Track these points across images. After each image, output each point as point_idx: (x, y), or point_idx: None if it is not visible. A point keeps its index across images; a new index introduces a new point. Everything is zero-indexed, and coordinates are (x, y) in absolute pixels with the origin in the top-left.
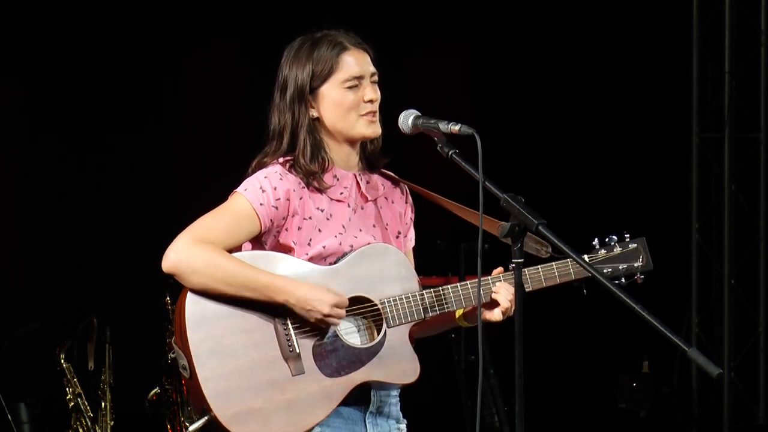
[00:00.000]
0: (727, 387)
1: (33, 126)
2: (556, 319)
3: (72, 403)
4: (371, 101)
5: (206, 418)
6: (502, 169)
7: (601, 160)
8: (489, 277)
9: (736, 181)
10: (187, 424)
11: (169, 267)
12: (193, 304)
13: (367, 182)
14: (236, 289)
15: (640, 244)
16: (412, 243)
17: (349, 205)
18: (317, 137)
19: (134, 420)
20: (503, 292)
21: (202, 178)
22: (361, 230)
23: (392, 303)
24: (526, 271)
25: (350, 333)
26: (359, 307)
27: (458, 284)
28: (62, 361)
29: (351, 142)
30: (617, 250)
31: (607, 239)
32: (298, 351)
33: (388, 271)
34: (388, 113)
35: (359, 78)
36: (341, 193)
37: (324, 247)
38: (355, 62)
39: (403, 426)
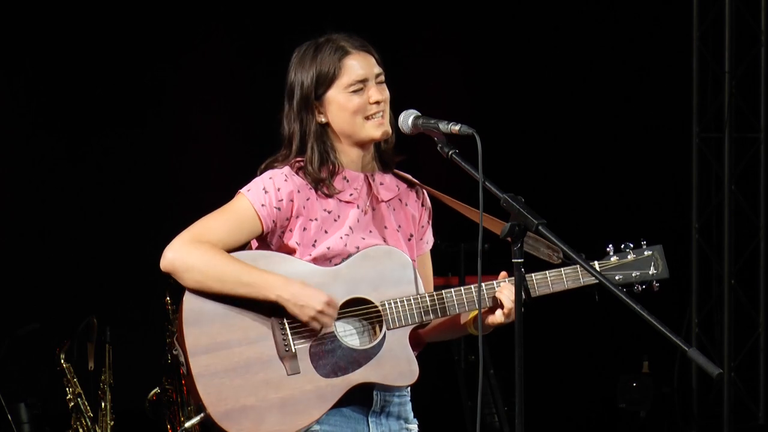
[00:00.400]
0: (727, 387)
1: (32, 126)
2: (556, 320)
3: (72, 403)
4: (377, 102)
5: (202, 415)
6: (502, 169)
7: (601, 160)
8: (494, 282)
9: (736, 181)
10: (187, 422)
11: (165, 265)
12: (190, 302)
13: (381, 183)
14: (230, 286)
15: (656, 251)
16: (428, 246)
17: (358, 207)
18: (326, 143)
19: (134, 420)
20: (506, 293)
21: (202, 177)
22: (370, 232)
23: (393, 305)
24: (534, 277)
25: (350, 334)
26: (360, 308)
27: (462, 288)
28: (62, 361)
29: (361, 145)
30: (631, 257)
31: (622, 245)
32: (294, 350)
33: (391, 273)
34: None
35: (363, 81)
36: (351, 195)
37: (328, 248)
38: (359, 65)
39: (413, 426)
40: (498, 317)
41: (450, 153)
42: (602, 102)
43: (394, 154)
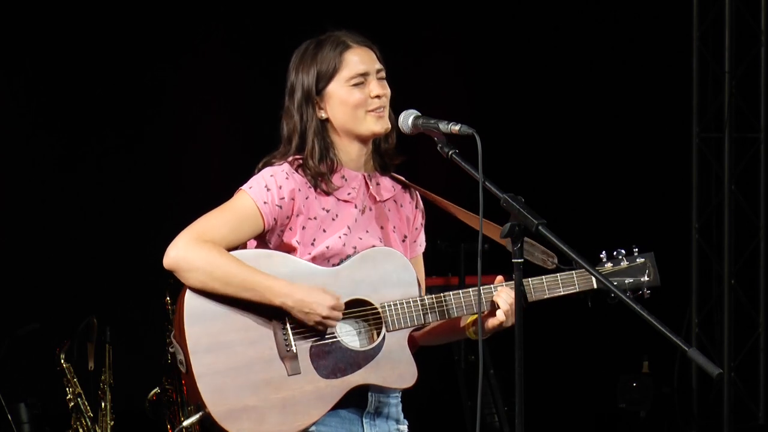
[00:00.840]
0: (727, 387)
1: (32, 125)
2: (556, 320)
3: (72, 403)
4: (378, 96)
5: (200, 413)
6: (502, 169)
7: (601, 160)
8: (491, 286)
9: (736, 181)
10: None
11: (169, 264)
12: (192, 300)
13: (377, 183)
14: (234, 289)
15: (648, 259)
16: (421, 248)
17: (356, 206)
18: (326, 138)
19: (134, 420)
20: (504, 296)
21: (202, 177)
22: (367, 231)
23: (393, 307)
24: (530, 281)
25: (350, 335)
26: (359, 309)
27: (460, 291)
28: (62, 361)
29: (361, 140)
30: (624, 263)
31: (615, 252)
32: (294, 351)
33: (390, 275)
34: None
35: (364, 75)
36: (349, 194)
37: (327, 247)
38: (360, 60)
39: (404, 427)
40: (496, 321)
41: (450, 153)
42: (602, 102)
43: (395, 155)
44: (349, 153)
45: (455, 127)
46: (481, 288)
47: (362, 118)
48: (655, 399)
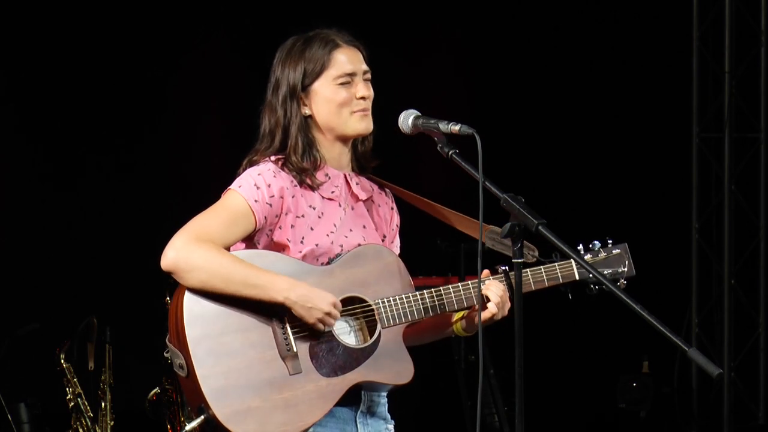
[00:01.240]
0: (727, 387)
1: (32, 126)
2: (556, 319)
3: (72, 403)
4: (363, 98)
5: (203, 416)
6: (502, 169)
7: (601, 160)
8: (482, 280)
9: (736, 181)
10: (187, 423)
11: (168, 265)
12: (191, 302)
13: (357, 183)
14: (235, 286)
15: (623, 249)
16: (397, 250)
17: (340, 204)
18: (309, 135)
19: (134, 420)
20: (494, 288)
21: (202, 177)
22: (351, 230)
23: (387, 303)
24: (513, 276)
25: (344, 333)
26: (353, 307)
27: (450, 286)
28: (62, 361)
29: (343, 139)
30: (602, 255)
31: (591, 245)
32: (295, 350)
33: (382, 271)
34: (388, 113)
35: (351, 75)
36: (332, 192)
37: (317, 245)
38: (348, 60)
39: (391, 426)
40: (488, 314)
41: (450, 153)
42: (602, 102)
43: (371, 158)
44: (331, 151)
45: (455, 127)
46: (480, 286)
47: (346, 118)
48: (655, 399)
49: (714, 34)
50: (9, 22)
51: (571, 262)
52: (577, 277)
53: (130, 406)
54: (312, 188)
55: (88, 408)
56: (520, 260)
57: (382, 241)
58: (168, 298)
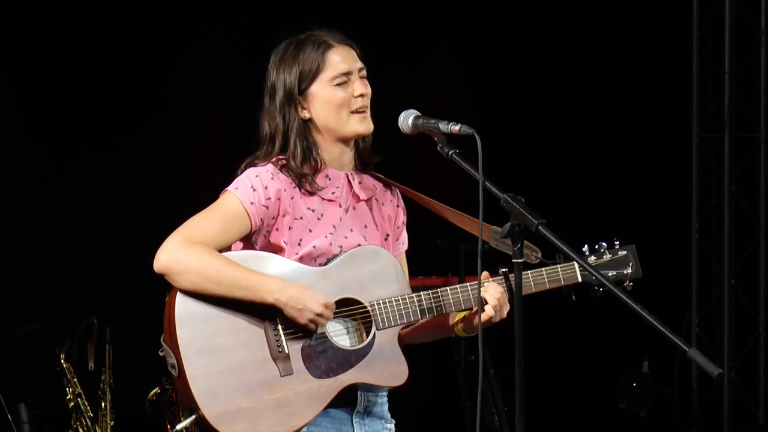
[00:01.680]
0: (727, 387)
1: (32, 126)
2: (556, 320)
3: (72, 403)
4: (362, 96)
5: (194, 417)
6: (502, 169)
7: (601, 160)
8: (479, 280)
9: (736, 181)
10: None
11: (159, 267)
12: (183, 303)
13: (360, 182)
14: (227, 288)
15: (629, 251)
16: (404, 247)
17: (340, 205)
18: (309, 139)
19: (134, 420)
20: (491, 290)
21: (202, 177)
22: (352, 230)
23: (382, 305)
24: (513, 278)
25: (339, 335)
26: (348, 308)
27: (448, 288)
28: (62, 361)
29: (344, 140)
30: (607, 256)
31: (597, 246)
32: (287, 352)
33: (378, 273)
34: (388, 114)
35: (347, 74)
36: (333, 193)
37: (314, 247)
38: (342, 59)
39: (392, 426)
40: (485, 316)
41: (450, 153)
42: (602, 102)
43: (372, 154)
44: (332, 153)
45: (455, 127)
46: (480, 286)
47: (346, 119)
48: (655, 399)
49: (714, 34)
50: (9, 23)
51: (573, 264)
52: (580, 279)
53: (130, 406)
54: (311, 193)
55: (88, 408)
56: (520, 260)
57: (386, 239)
58: (168, 298)
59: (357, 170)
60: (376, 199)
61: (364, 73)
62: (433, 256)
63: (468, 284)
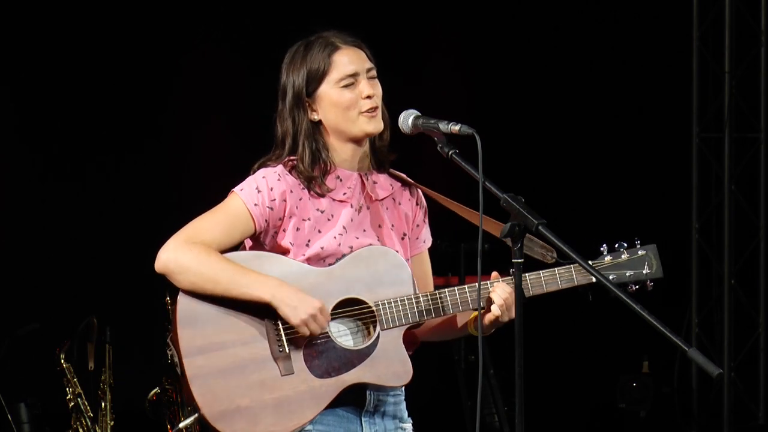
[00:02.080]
0: (727, 387)
1: (32, 126)
2: (556, 320)
3: (72, 403)
4: (369, 96)
5: (196, 415)
6: (502, 169)
7: (601, 160)
8: (487, 282)
9: (736, 181)
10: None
11: (160, 267)
12: (184, 303)
13: (374, 182)
14: (224, 287)
15: (650, 251)
16: (425, 245)
17: (352, 206)
18: (318, 141)
19: (134, 420)
20: (499, 291)
21: (202, 177)
22: (364, 231)
23: (387, 305)
24: (527, 276)
25: (344, 335)
26: (354, 308)
27: (455, 288)
28: (62, 361)
29: (355, 140)
30: (624, 256)
31: (616, 245)
32: (287, 351)
33: (384, 273)
34: (388, 114)
35: (354, 75)
36: (344, 194)
37: (322, 248)
38: (349, 60)
39: (407, 426)
40: (492, 316)
41: (450, 153)
42: (602, 102)
43: (388, 153)
44: (344, 154)
45: (455, 127)
46: (480, 286)
47: (354, 119)
48: (655, 399)
49: (714, 34)
50: (9, 23)
51: (588, 264)
52: (595, 279)
53: (130, 406)
54: (320, 194)
55: (88, 408)
56: (520, 260)
57: (402, 238)
58: (168, 298)
59: (372, 170)
60: (393, 198)
61: (373, 73)
62: (433, 256)
63: (475, 285)
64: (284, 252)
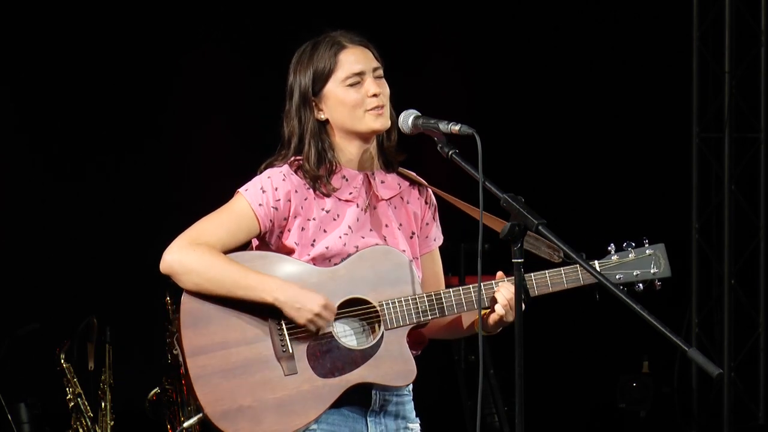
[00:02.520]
0: (727, 387)
1: (32, 126)
2: (556, 320)
3: (72, 403)
4: (375, 95)
5: (200, 415)
6: (502, 169)
7: (601, 160)
8: (492, 282)
9: (736, 181)
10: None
11: (164, 268)
12: (188, 303)
13: (381, 182)
14: (227, 288)
15: (658, 250)
16: (435, 243)
17: (357, 206)
18: (324, 140)
19: (134, 420)
20: (503, 291)
21: (202, 177)
22: (371, 230)
23: (391, 305)
24: (533, 276)
25: (348, 335)
26: (358, 308)
27: (460, 288)
28: (62, 361)
29: (362, 138)
30: (631, 256)
31: (624, 245)
32: (291, 351)
33: (389, 273)
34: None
35: (360, 74)
36: (350, 194)
37: (327, 248)
38: (355, 59)
39: (415, 426)
40: (496, 316)
41: (450, 153)
42: (602, 102)
43: (397, 153)
44: (350, 153)
45: (455, 127)
46: (481, 285)
47: (361, 117)
48: (655, 399)
49: (714, 34)
50: (9, 23)
51: (594, 264)
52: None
53: (130, 406)
54: (326, 194)
55: (88, 408)
56: (520, 260)
57: (411, 237)
58: (168, 298)
59: (380, 169)
60: (401, 198)
61: (379, 73)
62: None
63: (483, 284)
64: (289, 252)
